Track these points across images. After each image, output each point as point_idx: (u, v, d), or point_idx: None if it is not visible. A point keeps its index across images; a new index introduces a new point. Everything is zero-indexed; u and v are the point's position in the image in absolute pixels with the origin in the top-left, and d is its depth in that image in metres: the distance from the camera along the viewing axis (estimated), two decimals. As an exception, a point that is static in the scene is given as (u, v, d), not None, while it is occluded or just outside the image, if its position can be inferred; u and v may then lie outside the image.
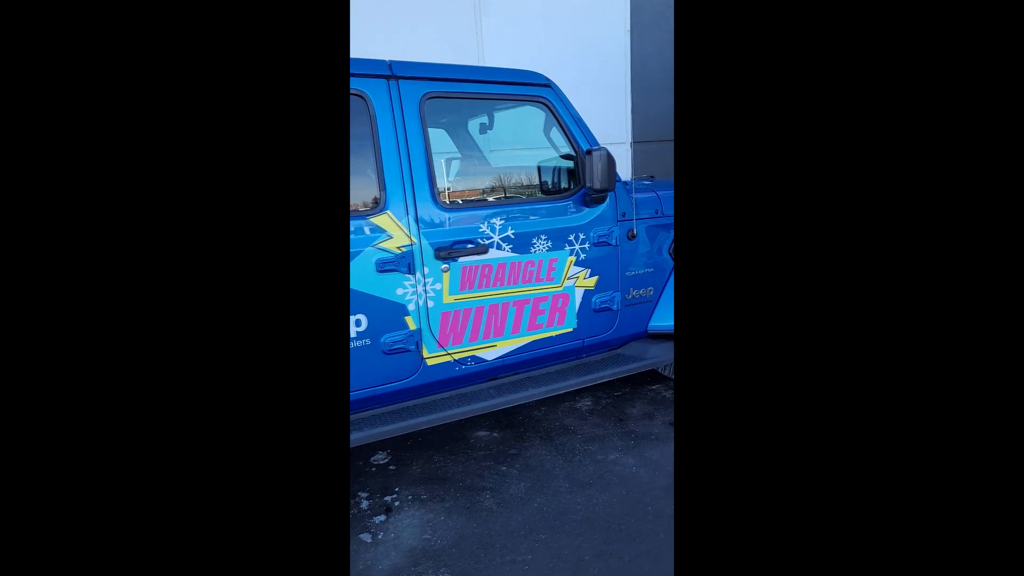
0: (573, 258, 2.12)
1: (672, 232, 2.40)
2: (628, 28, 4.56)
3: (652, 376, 2.89)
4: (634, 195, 2.25)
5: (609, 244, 2.20)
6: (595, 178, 1.98)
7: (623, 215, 2.22)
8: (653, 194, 2.37)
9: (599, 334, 2.28)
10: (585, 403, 2.69)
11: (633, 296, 2.32)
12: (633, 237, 2.25)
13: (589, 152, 1.99)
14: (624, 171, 4.76)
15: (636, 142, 4.76)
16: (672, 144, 5.00)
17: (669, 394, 2.73)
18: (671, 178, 4.49)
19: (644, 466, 2.10)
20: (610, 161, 1.99)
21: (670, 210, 2.38)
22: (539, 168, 2.17)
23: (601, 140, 4.67)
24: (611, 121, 4.69)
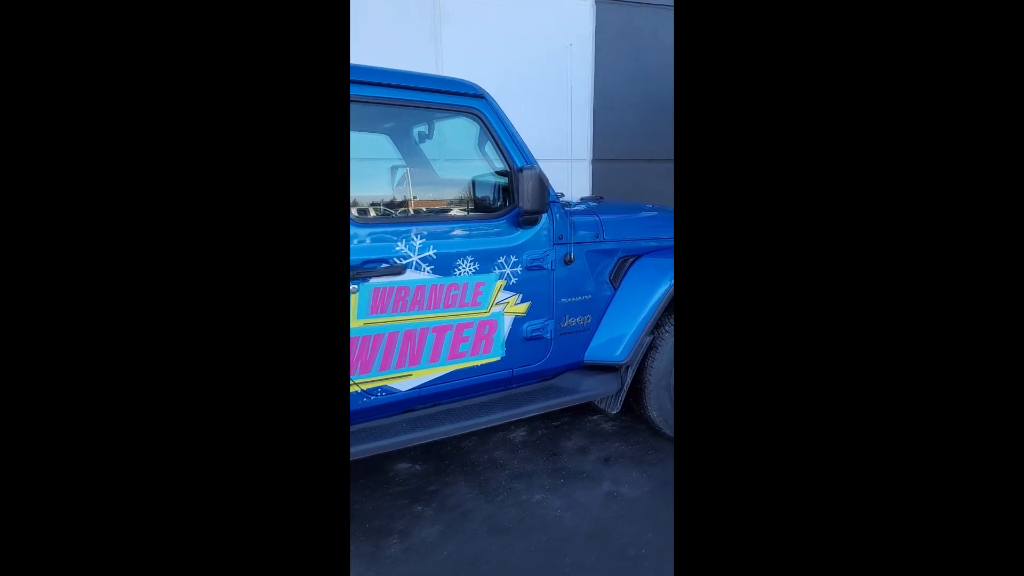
0: (503, 282, 1.98)
1: (615, 258, 2.28)
2: (593, 44, 4.50)
3: (593, 406, 2.76)
4: (572, 218, 2.12)
5: (543, 268, 2.06)
6: (525, 198, 1.85)
7: (560, 238, 2.09)
8: (595, 217, 2.25)
9: (530, 364, 2.13)
10: (519, 434, 2.54)
11: (569, 324, 2.19)
12: (570, 262, 2.12)
13: (521, 170, 1.85)
14: (585, 189, 4.67)
15: (597, 159, 4.69)
16: (634, 163, 4.92)
17: (608, 426, 2.60)
18: (626, 200, 4.41)
19: (569, 509, 1.95)
20: (542, 182, 1.86)
21: (611, 235, 2.26)
22: (471, 184, 2.02)
23: (561, 156, 4.59)
24: (572, 137, 4.60)
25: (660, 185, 4.77)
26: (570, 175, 4.59)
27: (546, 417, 2.69)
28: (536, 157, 2.01)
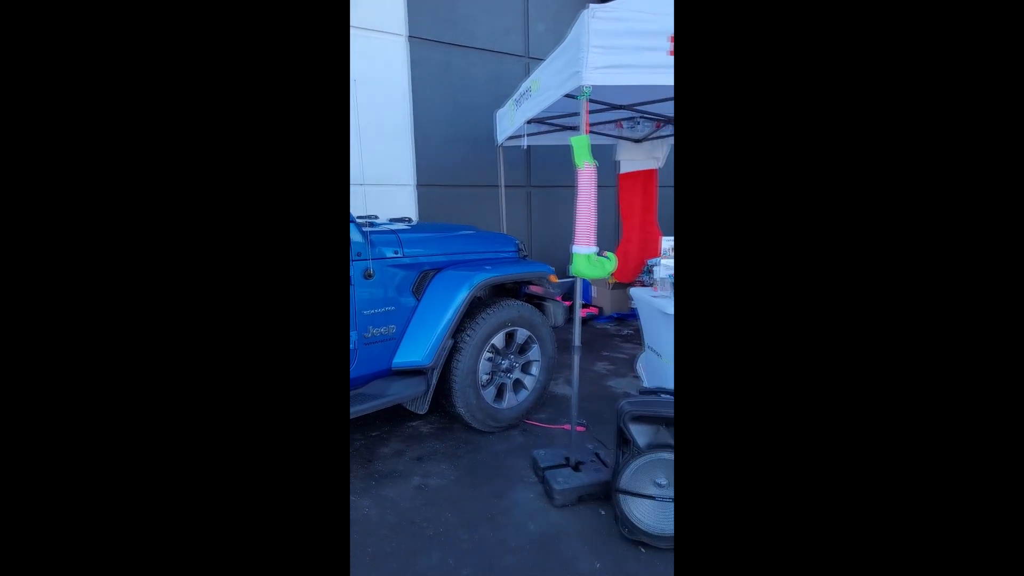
0: (301, 298, 2.07)
1: (417, 271, 2.51)
2: (409, 79, 4.79)
3: (413, 414, 2.92)
4: (370, 236, 2.30)
5: (344, 283, 2.20)
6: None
7: (358, 255, 2.25)
8: (395, 235, 2.46)
9: (336, 374, 2.23)
10: (337, 447, 2.60)
11: (373, 334, 2.34)
12: (370, 276, 2.29)
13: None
14: (411, 211, 4.90)
15: (420, 185, 4.95)
16: (456, 188, 5.25)
17: (426, 429, 2.78)
18: (440, 222, 4.72)
19: (377, 506, 2.08)
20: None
21: (411, 251, 2.48)
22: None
23: (388, 181, 4.75)
24: (398, 163, 4.82)
25: (480, 208, 5.20)
26: (395, 199, 4.79)
27: (364, 427, 2.79)
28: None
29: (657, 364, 3.06)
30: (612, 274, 4.97)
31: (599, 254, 2.06)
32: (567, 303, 2.81)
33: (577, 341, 2.20)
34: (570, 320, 2.28)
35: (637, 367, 3.60)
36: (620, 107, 3.26)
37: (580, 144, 1.95)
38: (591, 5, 1.94)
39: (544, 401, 3.08)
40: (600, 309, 5.30)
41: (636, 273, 4.99)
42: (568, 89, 2.18)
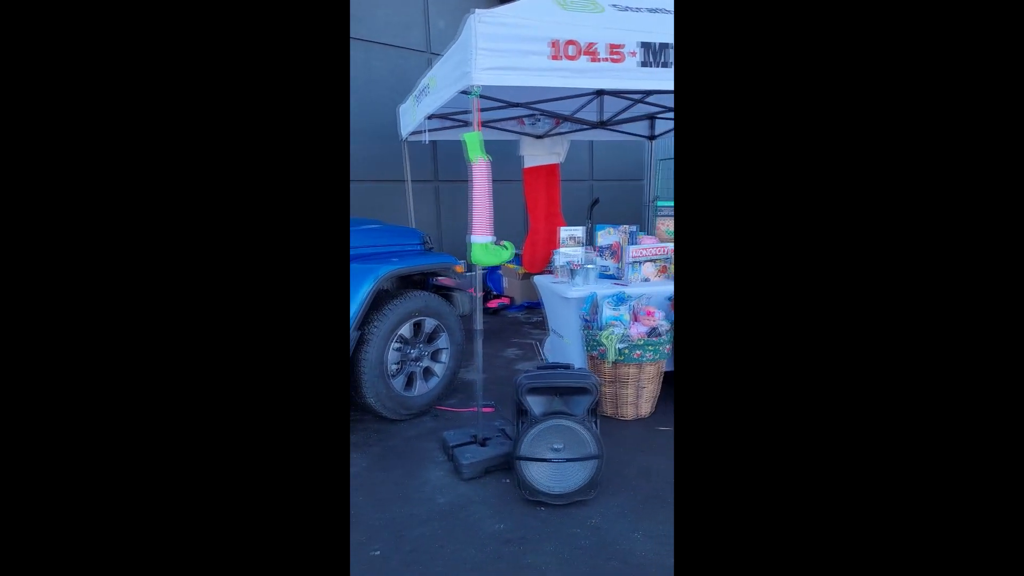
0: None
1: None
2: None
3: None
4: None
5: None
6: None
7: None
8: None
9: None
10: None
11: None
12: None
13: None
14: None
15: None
16: (367, 183, 5.14)
17: (337, 422, 2.80)
18: (357, 216, 4.64)
19: (287, 498, 2.10)
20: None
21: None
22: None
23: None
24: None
25: (388, 203, 5.19)
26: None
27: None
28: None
29: (560, 345, 3.29)
30: (522, 266, 5.18)
31: (496, 243, 2.22)
32: (481, 293, 2.94)
33: (479, 326, 2.34)
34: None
35: (544, 350, 3.83)
36: (517, 104, 3.44)
37: (472, 140, 2.08)
38: (476, 10, 2.08)
39: (455, 387, 3.20)
40: (512, 299, 5.51)
41: (544, 263, 5.24)
42: (461, 87, 2.31)
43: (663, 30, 2.41)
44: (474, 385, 3.28)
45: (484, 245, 2.15)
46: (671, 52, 2.38)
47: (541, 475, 2.00)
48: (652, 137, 5.25)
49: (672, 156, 7.35)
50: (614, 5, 2.61)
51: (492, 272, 5.81)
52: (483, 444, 2.32)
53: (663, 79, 2.38)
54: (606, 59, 2.27)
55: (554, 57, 2.19)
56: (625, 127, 4.85)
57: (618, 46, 2.29)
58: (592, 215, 5.90)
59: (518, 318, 5.07)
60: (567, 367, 2.20)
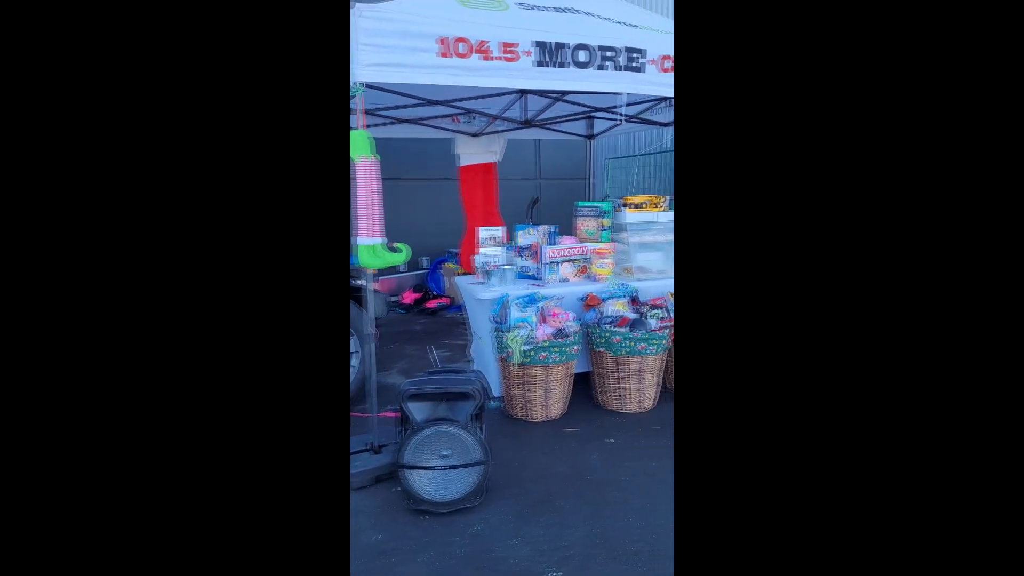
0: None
1: None
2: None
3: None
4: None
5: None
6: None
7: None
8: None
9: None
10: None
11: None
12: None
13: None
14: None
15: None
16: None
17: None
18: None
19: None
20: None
21: None
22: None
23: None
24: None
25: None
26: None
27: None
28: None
29: (480, 347, 3.26)
30: (460, 265, 5.12)
31: (388, 245, 2.16)
32: (404, 297, 2.87)
33: (370, 329, 2.28)
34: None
35: (470, 352, 3.79)
36: (438, 102, 3.38)
37: (356, 138, 2.02)
38: (357, 4, 2.01)
39: (370, 390, 3.13)
40: (452, 299, 5.45)
41: (484, 263, 5.21)
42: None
43: (565, 30, 2.39)
44: (391, 388, 3.22)
45: (371, 247, 2.09)
46: (568, 52, 2.36)
47: (425, 483, 1.96)
48: (590, 136, 5.26)
49: (619, 156, 7.42)
50: (520, 3, 2.58)
51: (433, 272, 5.74)
52: (377, 451, 2.27)
53: (559, 79, 2.36)
54: (499, 57, 2.24)
55: (443, 54, 2.15)
56: (563, 126, 4.84)
57: (512, 44, 2.26)
58: (532, 214, 5.89)
59: (456, 318, 5.01)
60: (459, 371, 2.16)
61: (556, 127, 4.80)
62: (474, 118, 4.60)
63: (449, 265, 5.54)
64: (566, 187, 7.08)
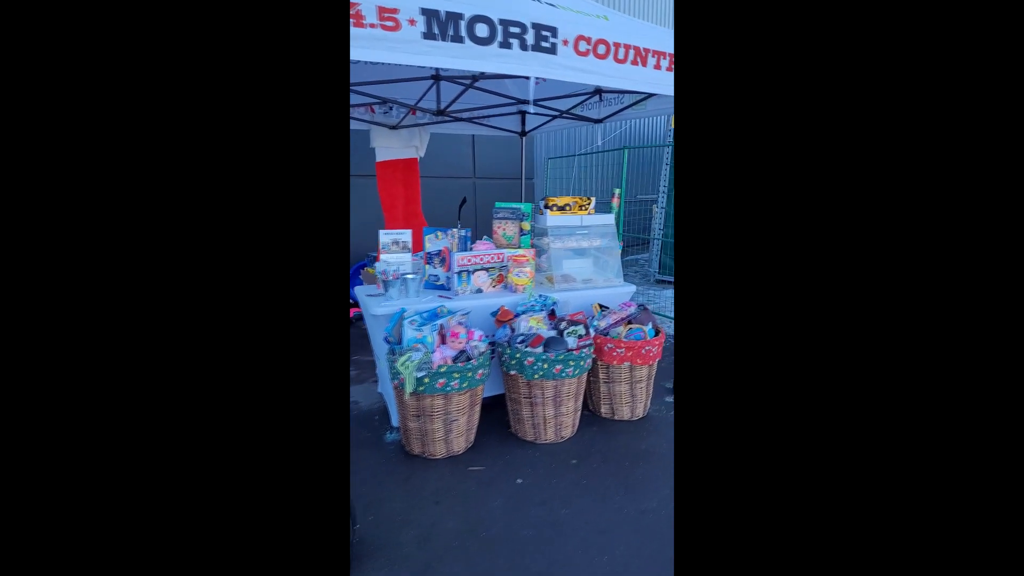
0: None
1: None
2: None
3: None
4: None
5: None
6: None
7: None
8: None
9: None
10: None
11: None
12: None
13: None
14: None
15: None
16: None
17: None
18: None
19: None
20: None
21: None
22: None
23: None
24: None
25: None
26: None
27: None
28: None
29: (383, 372, 2.83)
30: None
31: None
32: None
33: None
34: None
35: (377, 373, 3.36)
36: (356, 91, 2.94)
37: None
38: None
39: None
40: (373, 307, 4.98)
41: (409, 267, 4.76)
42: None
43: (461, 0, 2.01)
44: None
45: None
46: (463, 24, 1.98)
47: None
48: (523, 133, 4.91)
49: (558, 156, 7.12)
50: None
51: (354, 278, 5.25)
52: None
53: (453, 55, 1.98)
54: (374, 24, 1.83)
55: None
56: (494, 121, 4.46)
57: (391, 11, 1.85)
58: (461, 215, 5.50)
59: (375, 329, 4.55)
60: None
61: (484, 121, 4.42)
62: (391, 108, 4.16)
63: (370, 271, 5.06)
64: (504, 187, 6.72)
